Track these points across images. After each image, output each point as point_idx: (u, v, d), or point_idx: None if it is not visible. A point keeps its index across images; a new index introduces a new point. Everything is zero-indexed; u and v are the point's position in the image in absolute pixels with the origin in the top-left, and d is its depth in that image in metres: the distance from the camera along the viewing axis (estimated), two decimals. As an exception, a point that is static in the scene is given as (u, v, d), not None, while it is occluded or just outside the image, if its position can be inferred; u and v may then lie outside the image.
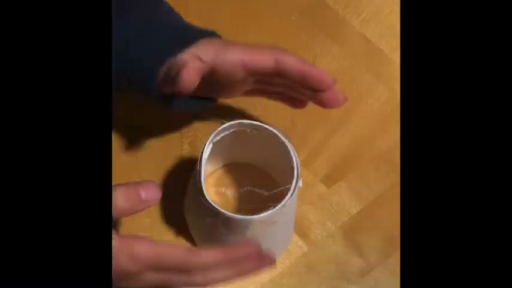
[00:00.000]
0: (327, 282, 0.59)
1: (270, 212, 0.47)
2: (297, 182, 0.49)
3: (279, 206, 0.47)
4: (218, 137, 0.49)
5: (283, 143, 0.49)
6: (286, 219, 0.54)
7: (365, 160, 0.66)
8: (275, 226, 0.50)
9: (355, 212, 0.63)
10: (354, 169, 0.65)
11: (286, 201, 0.48)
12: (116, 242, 0.37)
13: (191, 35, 0.50)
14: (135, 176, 0.60)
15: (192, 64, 0.47)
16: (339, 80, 0.70)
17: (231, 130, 0.49)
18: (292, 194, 0.48)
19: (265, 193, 0.56)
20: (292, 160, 0.49)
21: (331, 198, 0.63)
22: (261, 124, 0.49)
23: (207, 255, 0.40)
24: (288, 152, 0.49)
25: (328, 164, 0.64)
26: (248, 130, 0.49)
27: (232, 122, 0.49)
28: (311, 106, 0.56)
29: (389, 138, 0.66)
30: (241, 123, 0.49)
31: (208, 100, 0.55)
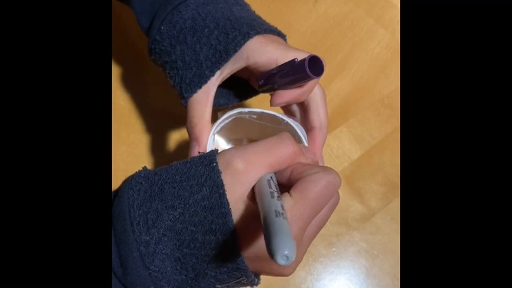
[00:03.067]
0: (328, 229, 0.59)
1: None
2: None
3: None
4: (219, 128, 0.47)
5: (287, 123, 0.47)
6: None
7: (366, 105, 0.65)
8: None
9: (355, 157, 0.63)
10: (354, 114, 0.65)
11: None
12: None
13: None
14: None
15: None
16: (340, 24, 0.69)
17: (231, 119, 0.48)
18: None
19: None
20: (301, 139, 0.47)
21: (332, 143, 0.62)
22: (261, 110, 0.47)
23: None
24: (295, 131, 0.47)
25: (328, 108, 0.63)
26: (247, 116, 0.48)
27: (231, 112, 0.47)
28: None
29: (390, 83, 0.66)
30: (241, 111, 0.47)
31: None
